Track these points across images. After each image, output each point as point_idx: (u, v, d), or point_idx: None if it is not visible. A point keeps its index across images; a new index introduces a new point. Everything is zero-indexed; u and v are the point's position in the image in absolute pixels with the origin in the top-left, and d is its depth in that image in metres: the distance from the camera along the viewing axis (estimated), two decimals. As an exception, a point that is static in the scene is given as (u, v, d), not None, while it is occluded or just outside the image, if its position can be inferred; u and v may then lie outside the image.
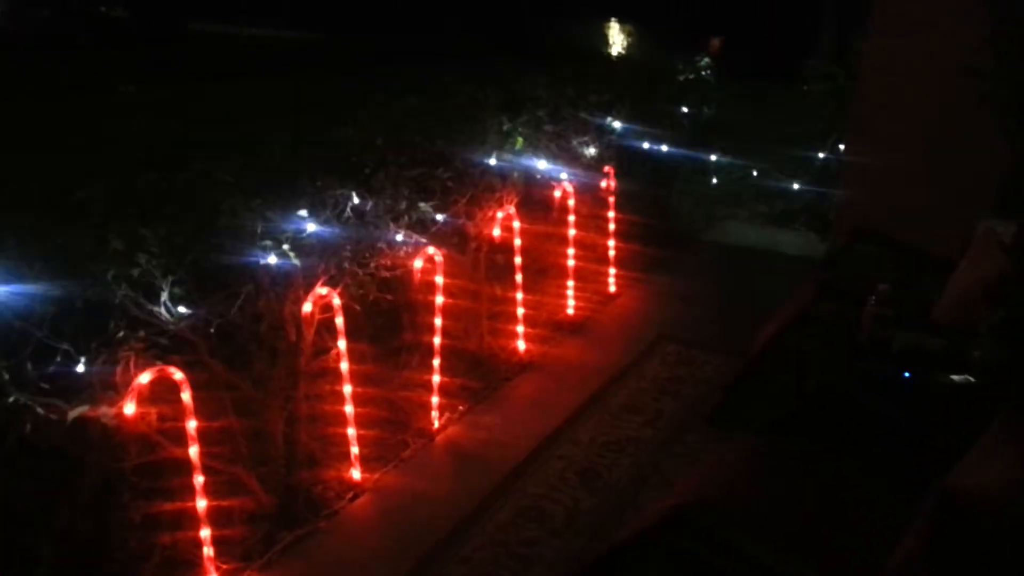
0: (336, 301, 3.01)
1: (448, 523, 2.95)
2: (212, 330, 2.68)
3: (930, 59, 4.43)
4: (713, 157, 6.62)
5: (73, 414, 2.33)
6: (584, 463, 3.34)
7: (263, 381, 2.90)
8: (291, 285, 2.87)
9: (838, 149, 6.03)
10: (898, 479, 2.36)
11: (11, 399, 2.24)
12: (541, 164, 4.27)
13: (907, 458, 2.42)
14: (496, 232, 3.98)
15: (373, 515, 3.04)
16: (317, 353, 3.09)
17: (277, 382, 2.94)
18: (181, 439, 2.58)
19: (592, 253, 4.98)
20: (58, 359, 2.33)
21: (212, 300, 2.65)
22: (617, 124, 5.07)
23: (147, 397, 2.49)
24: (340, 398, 3.14)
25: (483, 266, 4.10)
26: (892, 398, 2.73)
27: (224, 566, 2.68)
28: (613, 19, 12.83)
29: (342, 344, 3.08)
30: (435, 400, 3.57)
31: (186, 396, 2.52)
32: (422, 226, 3.51)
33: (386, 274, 3.37)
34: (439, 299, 3.54)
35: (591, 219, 4.93)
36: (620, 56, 10.55)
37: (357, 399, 3.17)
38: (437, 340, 3.58)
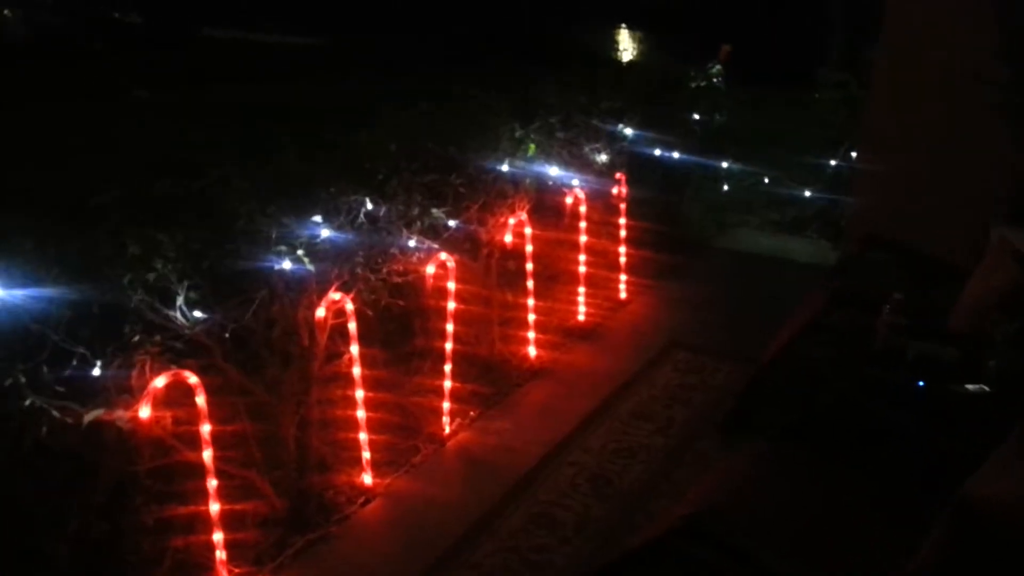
0: (349, 306, 3.02)
1: (459, 529, 2.95)
2: (227, 335, 2.69)
3: (942, 67, 4.41)
4: (724, 164, 6.61)
5: (88, 417, 2.34)
6: (595, 470, 3.33)
7: (276, 385, 2.91)
8: (305, 290, 2.88)
9: (850, 156, 6.01)
10: (911, 489, 2.35)
11: (27, 402, 2.26)
12: (553, 170, 4.28)
13: (920, 468, 2.41)
14: (508, 238, 3.99)
15: (384, 520, 3.04)
16: (330, 358, 3.10)
17: (290, 386, 2.95)
18: (195, 443, 2.59)
19: (603, 259, 4.98)
20: (74, 363, 2.35)
21: (227, 305, 2.66)
22: (628, 131, 5.07)
23: (162, 401, 2.50)
24: (352, 403, 3.15)
25: (495, 272, 4.10)
26: (906, 407, 2.72)
27: (236, 570, 2.70)
28: (623, 26, 12.85)
29: (355, 349, 3.09)
30: (446, 405, 3.57)
31: (200, 400, 2.54)
32: (434, 232, 3.52)
33: (398, 280, 3.38)
34: (451, 305, 3.55)
35: (602, 225, 4.93)
36: (631, 62, 10.57)
37: (369, 404, 3.18)
38: (448, 345, 3.58)
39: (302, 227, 2.83)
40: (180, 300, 2.53)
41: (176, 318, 2.54)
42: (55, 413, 2.30)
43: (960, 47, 4.33)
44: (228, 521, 2.68)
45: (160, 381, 2.45)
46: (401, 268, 3.36)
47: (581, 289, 4.69)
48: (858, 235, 4.71)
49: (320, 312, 2.93)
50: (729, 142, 6.61)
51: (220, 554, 2.64)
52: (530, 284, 4.22)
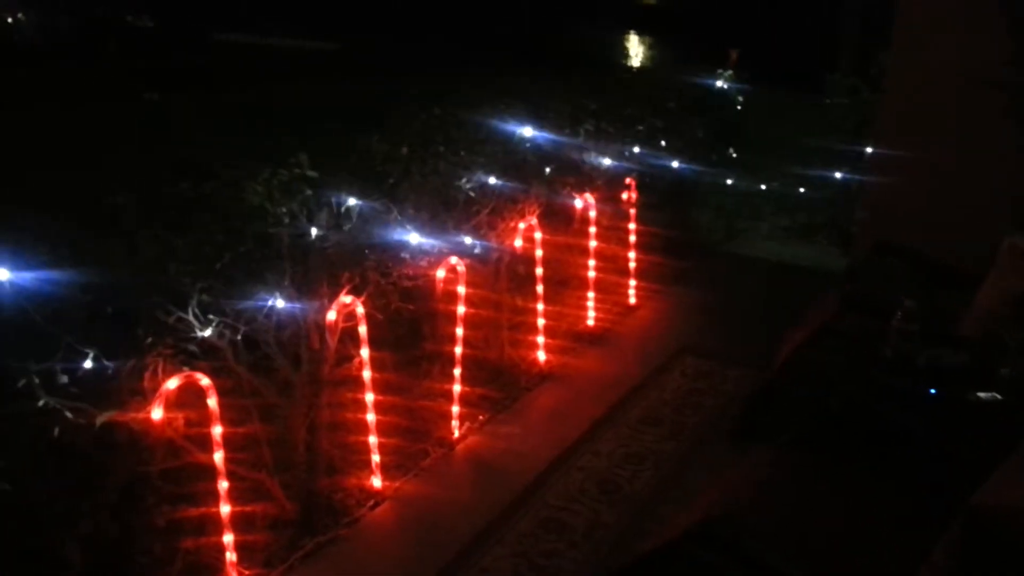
0: (360, 310, 3.03)
1: (468, 533, 2.95)
2: (239, 337, 2.70)
3: (955, 72, 4.40)
4: (730, 181, 6.59)
5: (101, 419, 2.36)
6: (604, 475, 3.33)
7: (287, 388, 2.92)
8: (316, 294, 2.89)
9: (860, 162, 5.99)
10: (921, 495, 2.34)
11: (41, 403, 2.27)
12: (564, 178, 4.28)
13: (931, 475, 2.40)
14: (518, 243, 3.99)
15: (393, 523, 3.05)
16: (340, 361, 3.11)
17: (300, 389, 2.96)
18: (206, 445, 2.60)
19: (613, 264, 4.98)
20: (88, 364, 2.36)
21: (239, 307, 2.68)
22: (638, 136, 5.06)
23: (174, 402, 2.52)
24: (362, 406, 3.16)
25: (504, 276, 4.11)
26: (917, 414, 2.70)
27: (246, 571, 2.70)
28: (632, 31, 12.87)
29: (365, 352, 3.09)
30: (455, 409, 3.58)
31: (212, 402, 2.55)
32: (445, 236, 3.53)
33: (408, 283, 3.39)
34: (460, 309, 3.56)
35: (612, 230, 4.93)
36: (640, 68, 10.57)
37: (378, 407, 3.19)
38: (458, 350, 3.59)
39: (313, 230, 2.85)
40: (193, 302, 2.54)
41: (189, 320, 2.55)
42: (68, 414, 2.31)
43: (972, 53, 4.32)
44: (238, 523, 2.69)
45: (172, 383, 2.46)
46: (411, 272, 3.37)
47: (591, 294, 4.70)
48: (869, 240, 4.70)
49: (331, 315, 2.94)
50: (739, 147, 6.59)
51: (230, 556, 2.65)
52: (540, 289, 4.23)
